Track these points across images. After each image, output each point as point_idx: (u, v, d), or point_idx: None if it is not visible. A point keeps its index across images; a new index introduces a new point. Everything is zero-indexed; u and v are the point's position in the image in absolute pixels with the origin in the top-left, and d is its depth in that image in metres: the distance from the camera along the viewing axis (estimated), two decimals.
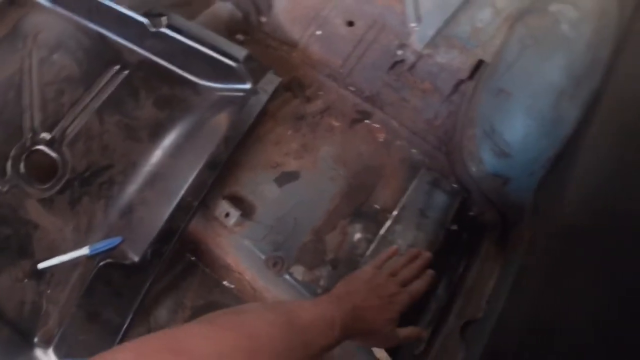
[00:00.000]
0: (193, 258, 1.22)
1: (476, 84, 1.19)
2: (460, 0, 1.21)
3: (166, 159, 1.12)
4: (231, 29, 1.36)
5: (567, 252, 0.83)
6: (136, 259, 1.03)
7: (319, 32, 1.35)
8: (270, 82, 1.18)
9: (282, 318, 0.67)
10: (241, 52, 1.14)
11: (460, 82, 1.23)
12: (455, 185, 1.20)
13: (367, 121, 1.26)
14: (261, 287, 1.10)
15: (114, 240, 1.05)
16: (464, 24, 1.21)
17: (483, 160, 1.14)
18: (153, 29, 1.16)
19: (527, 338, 0.78)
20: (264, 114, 1.17)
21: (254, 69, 1.17)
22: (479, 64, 1.20)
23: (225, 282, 1.18)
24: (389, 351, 1.02)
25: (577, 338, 0.65)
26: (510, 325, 0.88)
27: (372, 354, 1.01)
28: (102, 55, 1.23)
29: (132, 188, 1.11)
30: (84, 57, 1.22)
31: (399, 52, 1.27)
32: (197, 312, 1.40)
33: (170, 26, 1.16)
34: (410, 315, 1.01)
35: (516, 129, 1.07)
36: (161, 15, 1.17)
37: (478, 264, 1.13)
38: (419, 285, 0.96)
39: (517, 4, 1.18)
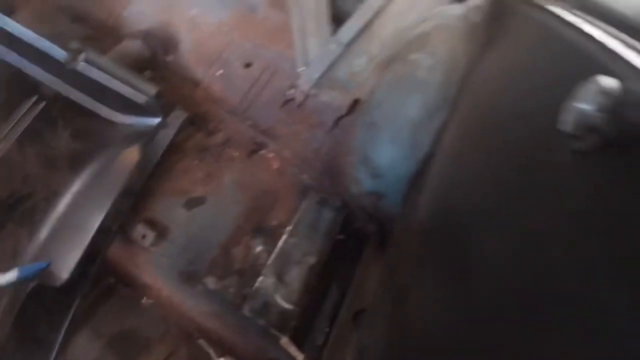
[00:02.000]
0: (113, 280, 1.33)
1: (353, 118, 1.43)
2: (341, 49, 1.45)
3: (85, 188, 1.25)
4: (139, 65, 1.50)
5: (421, 250, 1.09)
6: (64, 279, 1.13)
7: (220, 72, 1.53)
8: (178, 117, 1.36)
9: None
10: (152, 90, 1.29)
11: (341, 117, 1.46)
12: (339, 203, 1.43)
13: (263, 151, 1.46)
14: (178, 300, 1.25)
15: (41, 264, 1.15)
16: (343, 69, 1.46)
17: (360, 181, 1.38)
18: (70, 67, 1.26)
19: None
20: (172, 146, 1.34)
21: (163, 104, 1.33)
22: (356, 102, 1.44)
23: (144, 300, 1.30)
24: (296, 344, 1.21)
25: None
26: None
27: (282, 349, 1.20)
28: (20, 86, 1.32)
29: (55, 215, 1.22)
30: (2, 88, 1.31)
31: (290, 92, 1.49)
32: (112, 341, 1.46)
33: (87, 61, 1.27)
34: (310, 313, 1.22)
35: (384, 154, 1.32)
36: (79, 51, 1.26)
37: (363, 266, 1.36)
38: None
39: (387, 52, 1.44)
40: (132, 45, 1.53)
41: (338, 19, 1.47)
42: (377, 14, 1.44)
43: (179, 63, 1.57)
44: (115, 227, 1.20)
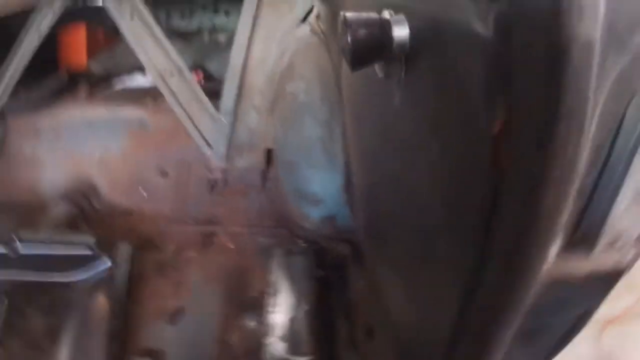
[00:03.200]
0: None
1: (275, 167, 1.48)
2: (231, 117, 1.52)
3: (72, 353, 1.27)
4: (73, 225, 1.55)
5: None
6: None
7: (144, 194, 1.59)
8: (124, 252, 1.40)
9: None
10: (89, 239, 1.36)
11: (265, 172, 1.52)
12: (304, 246, 1.46)
13: (214, 239, 1.50)
14: None
15: None
16: (242, 131, 1.52)
17: (307, 215, 1.42)
18: (13, 255, 1.32)
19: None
20: (132, 278, 1.38)
21: (106, 246, 1.38)
22: (269, 152, 1.50)
23: None
24: None
25: None
26: None
27: None
28: None
29: None
30: None
31: (210, 177, 1.55)
32: None
33: (22, 242, 1.34)
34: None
35: (312, 181, 1.38)
36: (12, 240, 1.33)
37: (353, 285, 1.38)
38: None
39: (268, 97, 1.51)
40: (58, 211, 1.58)
41: (212, 92, 1.54)
42: (244, 69, 1.52)
43: (107, 204, 1.62)
44: None
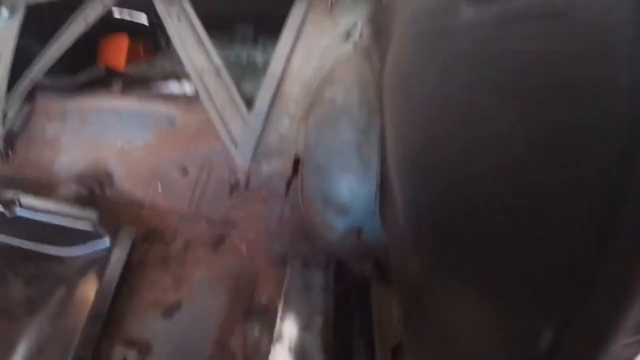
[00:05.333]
0: None
1: (301, 175, 1.40)
2: (262, 120, 1.47)
3: (47, 327, 1.13)
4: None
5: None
6: None
7: (160, 188, 1.50)
8: (127, 233, 1.30)
9: None
10: (93, 214, 1.27)
11: (290, 180, 1.44)
12: (324, 259, 1.34)
13: (227, 241, 1.39)
14: None
15: None
16: (272, 136, 1.46)
17: (332, 225, 1.32)
18: (9, 215, 1.23)
19: None
20: (131, 264, 1.26)
21: (109, 227, 1.28)
22: (297, 160, 1.43)
23: None
24: None
25: None
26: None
27: None
28: None
29: None
30: None
31: (232, 179, 1.47)
32: None
33: (23, 206, 1.24)
34: None
35: (341, 187, 1.28)
36: (12, 200, 1.24)
37: (376, 304, 1.24)
38: None
39: (303, 106, 1.47)
40: (67, 190, 1.51)
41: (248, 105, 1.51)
42: (282, 77, 1.49)
43: (118, 192, 1.54)
44: (89, 354, 1.07)
